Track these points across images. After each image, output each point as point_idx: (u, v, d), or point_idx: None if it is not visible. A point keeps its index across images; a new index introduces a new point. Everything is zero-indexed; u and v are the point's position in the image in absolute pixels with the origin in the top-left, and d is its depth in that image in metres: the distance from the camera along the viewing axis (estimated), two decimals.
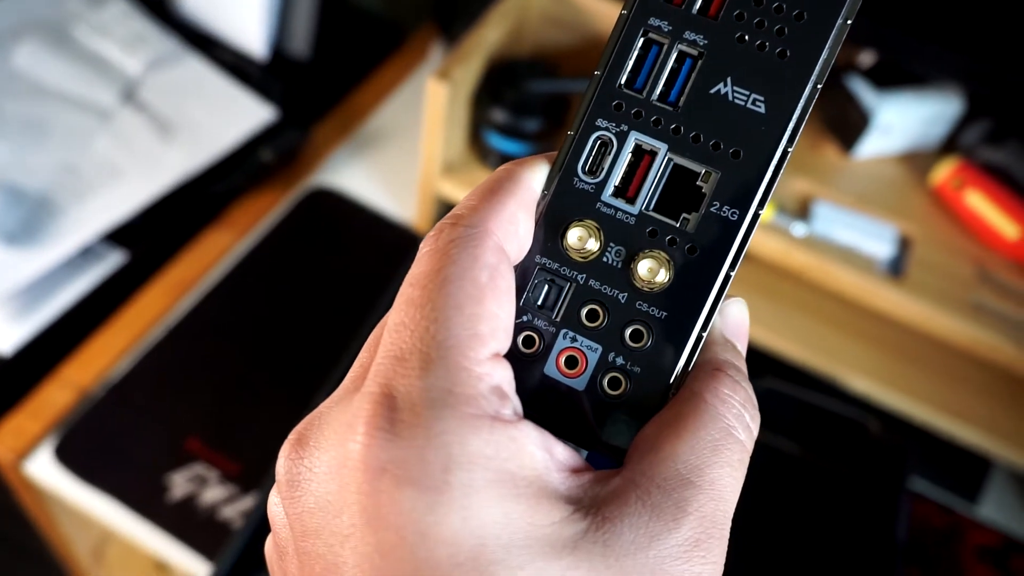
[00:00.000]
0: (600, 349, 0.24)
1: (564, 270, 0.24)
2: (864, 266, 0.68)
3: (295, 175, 0.87)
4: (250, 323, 0.77)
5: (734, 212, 0.23)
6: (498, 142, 0.76)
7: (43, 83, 0.82)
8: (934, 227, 0.71)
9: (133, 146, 0.80)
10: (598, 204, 0.24)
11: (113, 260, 0.76)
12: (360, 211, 0.86)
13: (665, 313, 0.24)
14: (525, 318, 0.24)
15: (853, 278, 0.67)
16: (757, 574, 0.66)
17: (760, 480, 0.70)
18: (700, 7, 0.24)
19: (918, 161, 0.75)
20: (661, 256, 0.23)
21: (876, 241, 0.69)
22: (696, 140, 0.24)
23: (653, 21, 0.24)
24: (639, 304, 0.24)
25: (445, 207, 0.83)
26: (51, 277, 0.72)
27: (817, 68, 0.23)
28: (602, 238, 0.24)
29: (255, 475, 0.68)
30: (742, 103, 0.23)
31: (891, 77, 0.73)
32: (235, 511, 0.66)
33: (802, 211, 0.70)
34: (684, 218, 0.24)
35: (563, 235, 0.24)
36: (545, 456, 0.21)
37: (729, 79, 0.23)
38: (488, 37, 0.74)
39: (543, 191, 0.24)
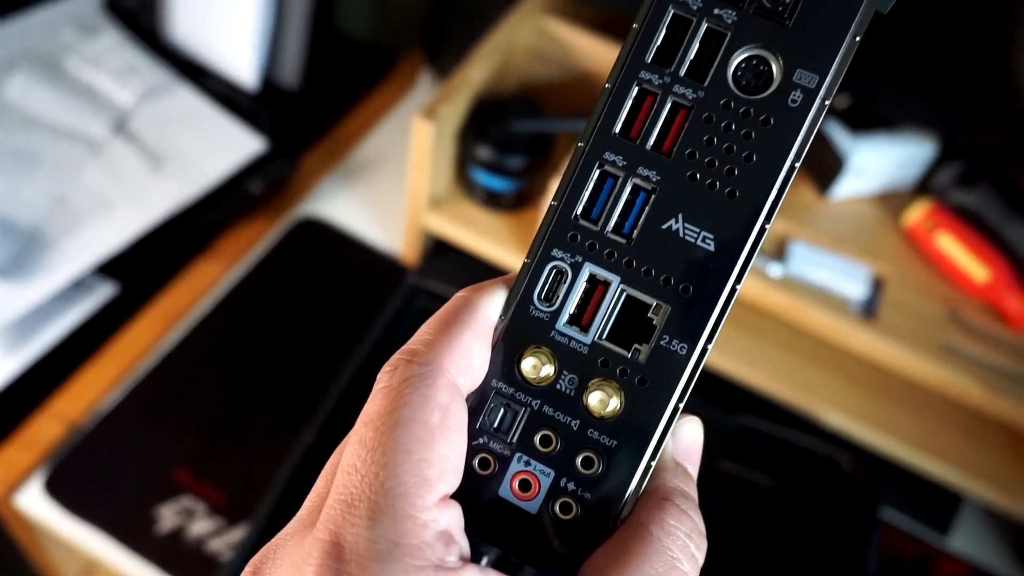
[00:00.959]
0: (553, 474, 0.25)
1: (519, 395, 0.25)
2: (838, 307, 0.69)
3: (283, 204, 0.89)
4: (238, 353, 0.78)
5: (683, 347, 0.24)
6: (483, 178, 0.78)
7: (35, 115, 0.83)
8: (907, 268, 0.73)
9: (124, 178, 0.81)
10: (552, 332, 0.25)
11: (103, 292, 0.77)
12: (348, 241, 0.87)
13: (615, 442, 0.24)
14: (481, 440, 0.25)
15: (827, 319, 0.69)
16: None
17: (736, 512, 0.72)
18: (654, 143, 0.25)
19: (893, 202, 0.77)
20: (612, 387, 0.24)
21: (850, 281, 0.71)
22: (648, 274, 0.24)
23: (608, 155, 0.25)
24: (591, 432, 0.25)
25: (432, 240, 0.84)
26: (42, 310, 0.74)
27: (765, 208, 0.24)
28: (556, 365, 0.25)
29: (242, 506, 0.69)
30: (692, 240, 0.24)
31: (865, 120, 0.75)
32: (223, 544, 0.67)
33: (779, 252, 0.72)
34: (636, 348, 0.24)
35: (519, 361, 0.25)
36: None
37: (680, 216, 0.24)
38: (474, 75, 0.76)
39: (501, 315, 0.25)
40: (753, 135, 0.24)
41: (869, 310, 0.70)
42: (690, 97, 0.24)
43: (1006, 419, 0.68)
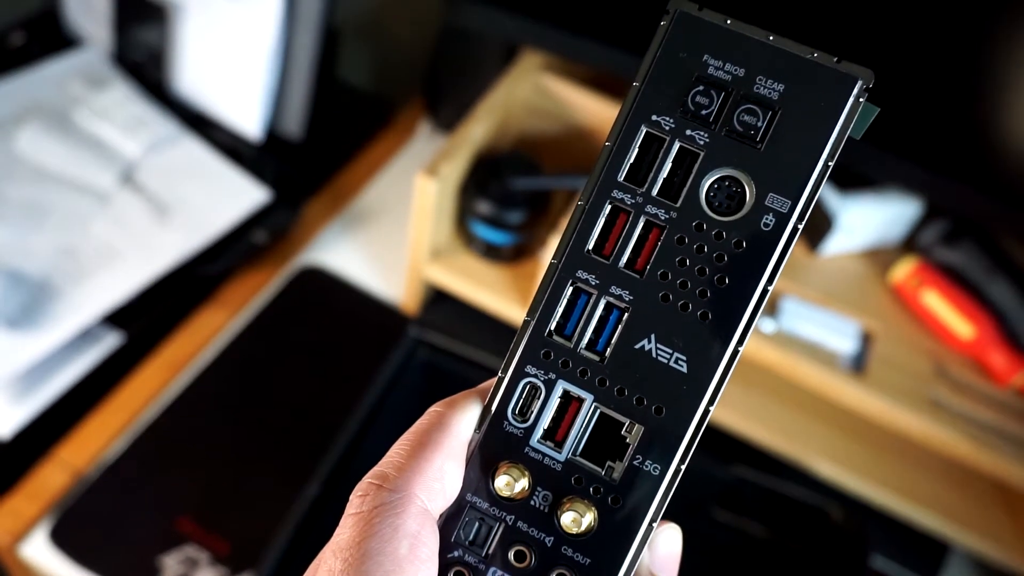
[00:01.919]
0: None
1: (493, 510, 0.25)
2: (828, 362, 0.72)
3: (286, 253, 0.90)
4: (242, 402, 0.79)
5: (656, 467, 0.24)
6: (483, 231, 0.80)
7: (44, 167, 0.85)
8: (895, 323, 0.75)
9: (130, 228, 0.83)
10: (526, 448, 0.25)
11: (110, 341, 0.78)
12: (349, 290, 0.89)
13: (589, 560, 0.24)
14: (456, 553, 0.25)
15: (818, 374, 0.71)
16: None
17: (730, 561, 0.74)
18: (627, 262, 0.25)
19: (881, 258, 0.80)
20: (585, 505, 0.24)
21: (840, 337, 0.73)
22: (621, 393, 0.24)
23: (581, 273, 0.25)
24: (564, 549, 0.24)
25: (432, 291, 0.86)
26: (49, 360, 0.75)
27: (738, 332, 0.24)
28: (530, 481, 0.25)
29: (246, 556, 0.70)
30: (665, 361, 0.24)
31: (854, 179, 0.77)
32: None
33: (770, 307, 0.74)
34: (610, 466, 0.24)
35: (493, 476, 0.25)
36: None
37: (653, 336, 0.24)
38: (475, 132, 0.78)
39: (476, 428, 0.25)
40: (725, 258, 0.24)
41: (858, 365, 0.72)
42: (662, 217, 0.24)
43: (992, 473, 0.70)
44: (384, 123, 1.05)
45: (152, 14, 0.90)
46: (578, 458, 0.25)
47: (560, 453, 0.25)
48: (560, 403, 0.25)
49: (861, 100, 0.24)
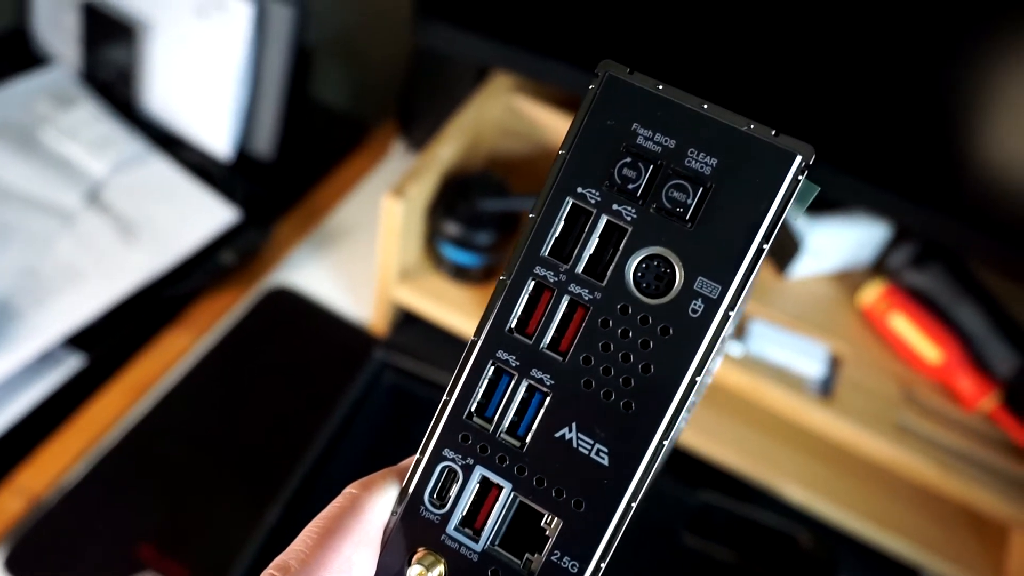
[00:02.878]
0: None
1: None
2: (796, 386, 0.71)
3: (254, 273, 0.90)
4: (205, 427, 0.78)
5: (574, 564, 0.23)
6: (452, 253, 0.79)
7: (7, 186, 0.84)
8: (863, 347, 0.75)
9: (95, 249, 0.82)
10: (443, 536, 0.24)
11: (71, 364, 0.77)
12: (318, 312, 0.88)
13: None
14: None
15: (786, 398, 0.70)
16: None
17: None
18: (550, 343, 0.23)
19: (850, 280, 0.79)
20: None
21: (808, 360, 0.72)
22: (540, 483, 0.23)
23: (501, 354, 0.23)
24: None
25: (402, 312, 0.85)
26: (8, 383, 0.74)
27: (662, 426, 0.22)
28: (445, 570, 0.23)
29: None
30: (585, 452, 0.22)
31: (822, 202, 0.77)
32: None
33: (739, 330, 0.74)
34: (528, 559, 0.23)
35: (408, 564, 0.24)
36: None
37: (574, 424, 0.23)
38: (443, 153, 0.77)
39: (392, 510, 0.24)
40: (651, 344, 0.22)
41: (826, 389, 0.71)
42: (587, 297, 0.23)
43: (960, 498, 0.69)
44: (357, 143, 1.05)
45: (120, 33, 0.89)
46: (496, 548, 0.24)
47: (477, 543, 0.24)
48: (479, 489, 0.24)
49: (800, 178, 0.22)
